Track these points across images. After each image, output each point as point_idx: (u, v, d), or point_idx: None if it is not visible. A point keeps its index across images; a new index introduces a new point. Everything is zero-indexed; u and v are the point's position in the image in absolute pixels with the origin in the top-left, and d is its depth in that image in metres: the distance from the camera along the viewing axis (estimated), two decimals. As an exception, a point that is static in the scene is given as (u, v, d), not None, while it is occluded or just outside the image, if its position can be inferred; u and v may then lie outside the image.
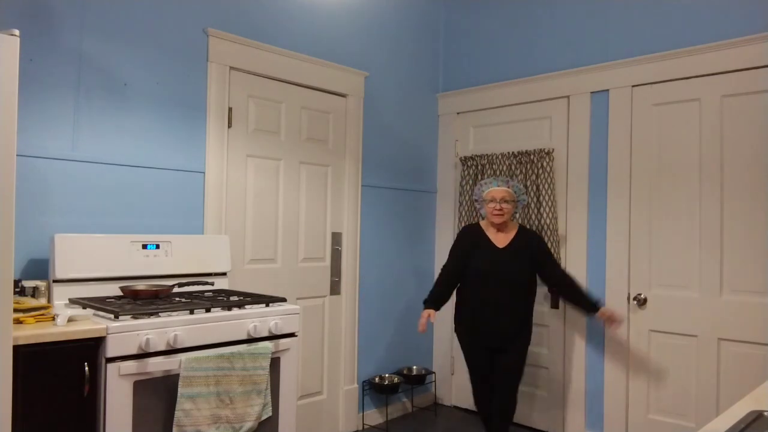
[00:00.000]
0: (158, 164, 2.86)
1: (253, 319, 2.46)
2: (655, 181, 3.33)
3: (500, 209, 3.09)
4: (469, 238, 3.21)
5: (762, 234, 2.98)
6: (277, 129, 3.37)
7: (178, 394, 2.18)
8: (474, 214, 4.05)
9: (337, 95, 3.69)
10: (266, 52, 3.26)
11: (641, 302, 3.35)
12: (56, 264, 2.37)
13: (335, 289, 3.68)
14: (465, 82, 4.24)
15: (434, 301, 3.18)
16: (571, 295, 3.19)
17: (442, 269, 3.28)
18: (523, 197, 3.23)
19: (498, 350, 3.11)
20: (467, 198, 4.08)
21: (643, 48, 3.38)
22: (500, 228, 3.16)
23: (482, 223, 3.25)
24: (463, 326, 3.21)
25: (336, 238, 3.68)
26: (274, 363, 2.50)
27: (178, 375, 2.19)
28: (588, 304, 3.11)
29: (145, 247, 2.65)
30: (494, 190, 3.13)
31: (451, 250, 3.28)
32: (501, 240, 3.15)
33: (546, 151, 3.69)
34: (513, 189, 3.16)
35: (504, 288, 3.06)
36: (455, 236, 3.39)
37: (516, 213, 3.24)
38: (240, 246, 3.18)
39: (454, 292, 3.28)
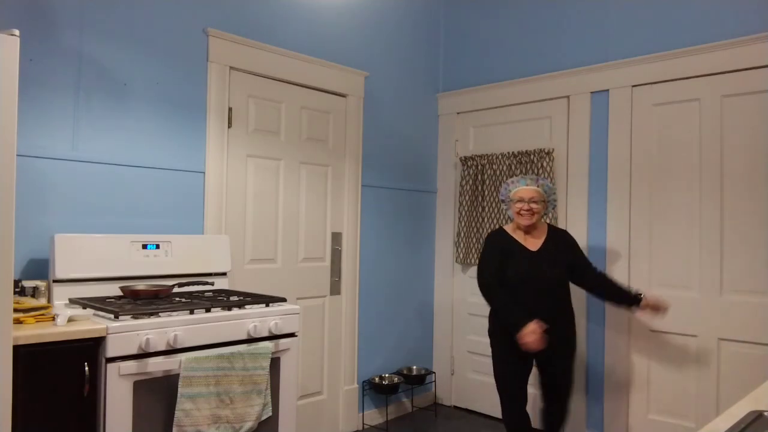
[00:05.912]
0: (158, 164, 2.86)
1: (253, 319, 2.46)
2: (655, 181, 3.33)
3: (529, 209, 2.85)
4: (499, 245, 2.92)
5: (762, 234, 2.98)
6: (277, 129, 3.37)
7: (178, 394, 2.18)
8: (475, 214, 4.05)
9: (337, 95, 3.69)
10: (266, 52, 3.26)
11: (641, 302, 3.34)
12: (56, 264, 2.37)
13: (335, 289, 3.68)
14: (465, 82, 4.24)
15: (523, 314, 2.75)
16: (612, 293, 2.93)
17: (486, 287, 2.87)
18: (554, 196, 3.00)
19: (544, 361, 2.90)
20: (467, 198, 4.08)
21: (643, 48, 3.37)
22: (529, 230, 2.91)
23: (507, 227, 3.00)
24: (499, 336, 2.91)
25: (336, 238, 3.68)
26: (274, 363, 2.50)
27: (178, 375, 2.20)
28: (631, 299, 2.86)
29: (145, 247, 2.65)
30: (522, 189, 2.90)
31: (482, 263, 2.93)
32: (533, 243, 2.91)
33: (546, 151, 3.69)
34: (543, 188, 2.92)
35: (544, 294, 2.83)
36: (483, 243, 3.03)
37: (546, 214, 3.03)
38: (240, 246, 3.18)
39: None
